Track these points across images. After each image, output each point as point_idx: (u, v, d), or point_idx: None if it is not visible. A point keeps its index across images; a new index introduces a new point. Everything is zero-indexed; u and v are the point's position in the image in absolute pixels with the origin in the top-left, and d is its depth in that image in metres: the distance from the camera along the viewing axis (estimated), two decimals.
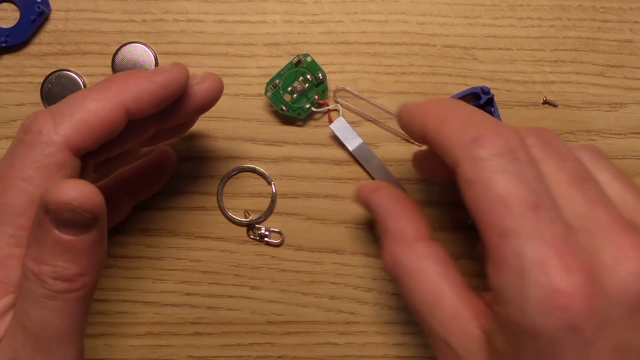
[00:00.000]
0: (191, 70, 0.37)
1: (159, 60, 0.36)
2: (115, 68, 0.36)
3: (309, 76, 0.36)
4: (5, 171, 0.25)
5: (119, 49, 0.36)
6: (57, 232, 0.24)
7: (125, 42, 0.36)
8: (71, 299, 0.25)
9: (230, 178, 0.37)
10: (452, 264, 0.28)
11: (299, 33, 0.37)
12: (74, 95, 0.27)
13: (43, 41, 0.37)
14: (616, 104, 0.37)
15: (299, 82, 0.36)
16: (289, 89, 0.36)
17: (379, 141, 0.37)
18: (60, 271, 0.24)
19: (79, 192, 0.23)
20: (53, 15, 0.37)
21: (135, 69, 0.36)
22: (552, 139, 0.26)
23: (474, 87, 0.36)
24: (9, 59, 0.37)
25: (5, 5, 0.36)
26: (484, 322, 0.25)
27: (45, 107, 0.36)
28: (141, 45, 0.36)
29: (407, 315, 0.37)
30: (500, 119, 0.36)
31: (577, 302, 0.22)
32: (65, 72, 0.36)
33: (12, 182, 0.25)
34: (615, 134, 0.37)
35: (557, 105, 0.37)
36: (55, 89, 0.36)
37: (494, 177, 0.24)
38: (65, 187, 0.23)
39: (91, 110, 0.26)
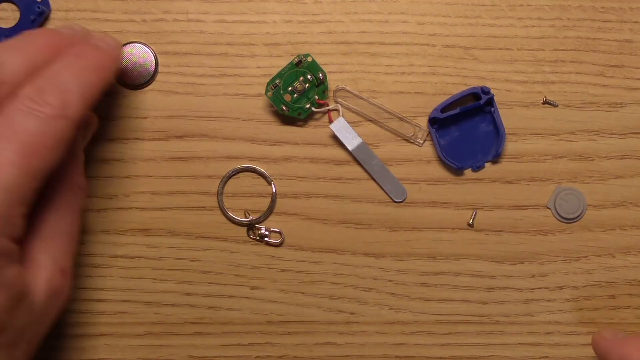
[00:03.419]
0: (191, 70, 0.37)
1: (159, 60, 0.36)
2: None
3: (309, 76, 0.36)
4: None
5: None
6: None
7: (125, 42, 0.36)
8: None
9: (230, 178, 0.37)
10: None
11: (299, 33, 0.37)
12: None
13: None
14: (616, 104, 0.37)
15: (299, 82, 0.36)
16: (290, 89, 0.36)
17: (379, 141, 0.37)
18: None
19: None
20: (53, 15, 0.37)
21: (135, 68, 0.36)
22: None
23: (474, 87, 0.36)
24: None
25: (5, 5, 0.36)
26: None
27: None
28: (141, 45, 0.36)
29: (407, 315, 0.37)
30: (500, 119, 0.36)
31: None
32: None
33: None
34: (615, 134, 0.37)
35: (557, 105, 0.37)
36: None
37: None
38: None
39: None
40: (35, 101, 0.27)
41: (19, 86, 0.28)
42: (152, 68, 0.36)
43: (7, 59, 0.28)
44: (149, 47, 0.36)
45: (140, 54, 0.36)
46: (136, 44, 0.36)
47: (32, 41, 0.30)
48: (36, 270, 0.29)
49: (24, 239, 0.28)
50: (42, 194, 0.29)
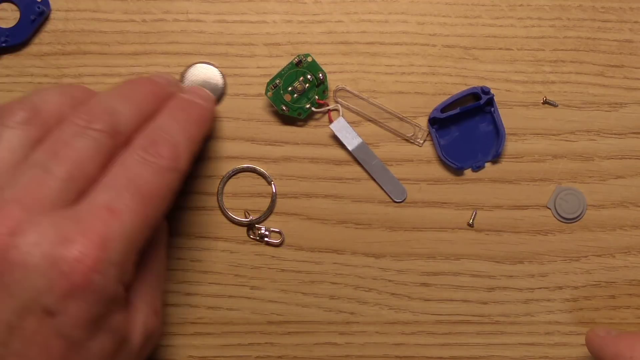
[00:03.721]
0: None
1: (226, 80, 0.36)
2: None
3: (309, 76, 0.36)
4: None
5: (186, 70, 0.36)
6: None
7: (192, 62, 0.36)
8: None
9: (230, 178, 0.37)
10: None
11: (299, 33, 0.37)
12: None
13: (43, 41, 0.37)
14: (616, 104, 0.37)
15: (299, 82, 0.36)
16: (290, 89, 0.36)
17: (379, 141, 0.37)
18: None
19: None
20: (53, 15, 0.37)
21: (205, 87, 0.36)
22: None
23: (474, 87, 0.36)
24: (9, 59, 0.37)
25: (5, 5, 0.36)
26: None
27: None
28: (205, 65, 0.36)
29: (407, 315, 0.37)
30: (500, 119, 0.36)
31: None
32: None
33: None
34: (615, 134, 0.37)
35: (557, 105, 0.37)
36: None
37: None
38: None
39: None
40: (150, 152, 0.28)
41: (132, 136, 0.29)
42: (221, 84, 0.36)
43: (120, 109, 0.29)
44: (212, 64, 0.36)
45: (207, 72, 0.36)
46: (201, 64, 0.36)
47: (138, 90, 0.31)
48: (134, 314, 0.29)
49: (130, 286, 0.29)
50: None
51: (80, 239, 0.25)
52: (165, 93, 0.32)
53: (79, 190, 0.27)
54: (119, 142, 0.28)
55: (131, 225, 0.26)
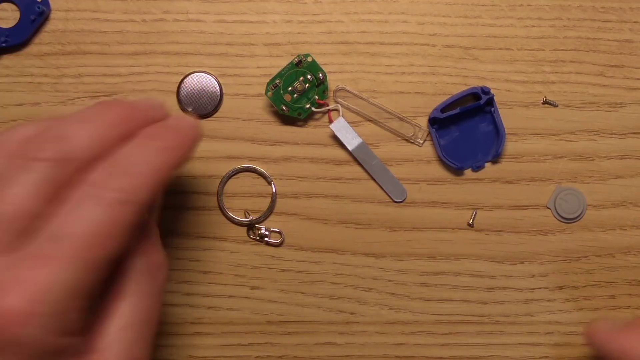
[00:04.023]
0: (190, 70, 0.37)
1: (223, 89, 0.36)
2: (181, 99, 0.36)
3: (309, 76, 0.36)
4: None
5: (183, 79, 0.36)
6: None
7: (188, 72, 0.36)
8: None
9: (230, 178, 0.37)
10: None
11: (299, 33, 0.37)
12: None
13: (43, 41, 0.37)
14: (616, 104, 0.37)
15: (299, 82, 0.36)
16: (290, 89, 0.36)
17: (379, 141, 0.37)
18: None
19: None
20: (53, 15, 0.37)
21: (201, 97, 0.36)
22: None
23: (474, 87, 0.36)
24: (9, 59, 0.37)
25: (5, 5, 0.36)
26: None
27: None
28: (204, 75, 0.36)
29: (407, 315, 0.37)
30: (500, 119, 0.36)
31: None
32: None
33: None
34: (615, 134, 0.37)
35: (557, 105, 0.37)
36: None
37: None
38: None
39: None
40: (101, 186, 0.25)
41: (89, 164, 0.26)
42: (218, 93, 0.36)
43: (72, 133, 0.26)
44: (209, 73, 0.36)
45: (203, 81, 0.36)
46: (197, 74, 0.36)
47: (103, 114, 0.28)
48: None
49: (90, 330, 0.26)
50: (115, 280, 0.27)
51: (11, 290, 0.23)
52: (142, 117, 0.29)
53: (21, 231, 0.25)
54: (70, 170, 0.26)
55: (71, 271, 0.24)
